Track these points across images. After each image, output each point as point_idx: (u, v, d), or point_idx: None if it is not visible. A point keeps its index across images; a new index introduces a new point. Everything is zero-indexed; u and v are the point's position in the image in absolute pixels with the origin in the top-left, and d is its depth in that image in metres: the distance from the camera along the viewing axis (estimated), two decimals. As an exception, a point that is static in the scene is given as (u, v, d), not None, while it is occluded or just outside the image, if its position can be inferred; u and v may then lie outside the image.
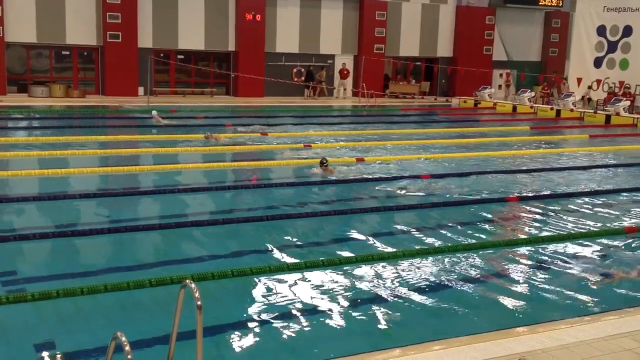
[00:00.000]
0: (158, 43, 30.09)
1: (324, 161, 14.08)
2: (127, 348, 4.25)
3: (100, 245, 9.41)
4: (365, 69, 32.66)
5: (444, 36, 36.60)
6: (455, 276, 8.22)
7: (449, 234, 10.11)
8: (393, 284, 7.94)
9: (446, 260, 8.79)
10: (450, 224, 10.73)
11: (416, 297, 7.55)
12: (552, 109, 30.11)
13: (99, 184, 13.28)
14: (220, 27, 31.22)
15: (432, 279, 8.15)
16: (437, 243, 9.60)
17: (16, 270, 8.07)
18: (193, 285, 4.76)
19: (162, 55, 30.45)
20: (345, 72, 33.67)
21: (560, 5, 37.67)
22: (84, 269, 8.29)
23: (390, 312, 7.11)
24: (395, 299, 7.49)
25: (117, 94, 28.63)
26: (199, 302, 4.67)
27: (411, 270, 8.42)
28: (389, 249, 9.25)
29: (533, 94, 32.84)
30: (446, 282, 8.01)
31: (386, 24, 34.46)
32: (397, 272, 8.32)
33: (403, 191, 13.00)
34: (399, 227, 10.68)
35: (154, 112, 21.49)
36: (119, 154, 15.66)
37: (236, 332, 6.52)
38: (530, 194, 13.16)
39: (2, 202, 11.24)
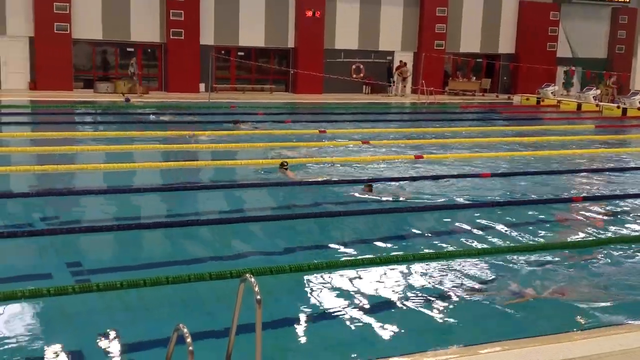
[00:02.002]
0: (219, 40, 30.51)
1: (284, 164, 13.37)
2: (189, 340, 4.33)
3: (162, 238, 9.61)
4: (425, 65, 32.38)
5: (506, 32, 35.94)
6: (515, 277, 8.07)
7: (511, 234, 9.93)
8: (451, 282, 7.85)
9: (507, 260, 8.64)
10: (512, 224, 10.53)
11: (479, 296, 7.44)
12: (618, 107, 29.21)
13: (161, 178, 13.54)
14: (280, 24, 31.43)
15: (491, 278, 8.03)
16: (499, 243, 9.44)
17: (82, 262, 8.32)
18: (253, 279, 4.81)
19: (223, 52, 30.86)
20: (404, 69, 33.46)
21: (627, 1, 36.51)
22: (147, 261, 8.49)
23: (448, 311, 7.03)
24: (455, 298, 7.40)
25: (179, 91, 29.16)
26: (258, 297, 4.72)
27: (472, 270, 8.30)
28: (449, 248, 9.16)
29: (598, 91, 31.92)
30: (505, 282, 7.87)
31: (447, 20, 34.06)
32: (457, 271, 8.23)
33: (463, 189, 12.83)
34: (458, 225, 10.54)
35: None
36: (179, 149, 15.94)
37: (293, 327, 6.57)
38: (595, 194, 12.82)
39: (69, 195, 11.62)
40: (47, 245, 8.80)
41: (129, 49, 29.89)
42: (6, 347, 5.95)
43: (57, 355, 5.85)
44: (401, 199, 11.96)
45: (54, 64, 27.27)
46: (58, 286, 7.06)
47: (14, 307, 6.74)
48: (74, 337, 6.23)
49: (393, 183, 13.28)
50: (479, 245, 9.34)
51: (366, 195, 11.95)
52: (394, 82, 33.02)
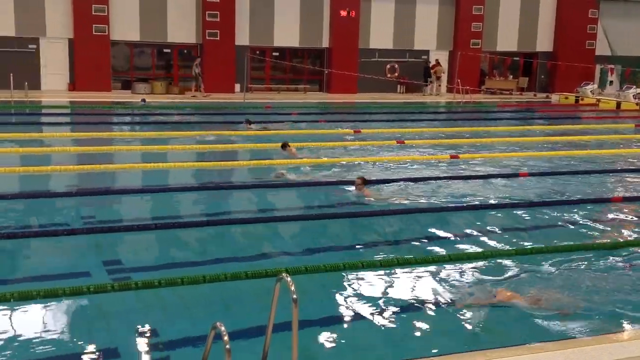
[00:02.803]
0: (254, 40, 30.68)
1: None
2: (226, 338, 4.35)
3: (199, 237, 9.70)
4: (461, 64, 32.10)
5: (544, 30, 35.46)
6: (551, 278, 7.95)
7: (547, 235, 9.79)
8: (490, 283, 7.76)
9: (545, 261, 8.52)
10: (549, 225, 10.39)
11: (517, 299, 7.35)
12: (660, 105, 28.60)
13: (197, 177, 13.65)
14: (315, 24, 31.48)
15: (523, 279, 7.92)
16: (536, 244, 9.31)
17: (120, 260, 8.45)
18: (289, 278, 4.82)
19: (257, 52, 31.02)
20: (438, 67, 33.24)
21: (669, -4, 35.74)
22: (184, 260, 8.58)
23: (484, 313, 6.96)
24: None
25: (215, 91, 29.39)
26: (294, 296, 4.72)
27: (511, 270, 8.21)
28: (486, 249, 9.06)
29: (638, 90, 31.28)
30: (542, 283, 7.76)
31: (483, 19, 33.73)
32: (497, 271, 8.14)
33: (500, 189, 12.70)
34: (495, 225, 10.43)
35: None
36: (215, 149, 16.05)
37: (328, 327, 6.57)
38: (635, 195, 12.57)
39: (108, 194, 11.80)
40: (86, 243, 8.94)
41: (165, 50, 30.24)
42: (47, 343, 6.06)
43: (96, 353, 5.94)
44: (437, 198, 11.87)
45: (92, 65, 27.73)
46: (97, 284, 7.18)
47: (55, 305, 6.86)
48: (113, 335, 6.32)
49: (429, 183, 13.20)
50: (517, 246, 9.22)
51: (396, 198, 11.88)
52: (430, 81, 32.82)
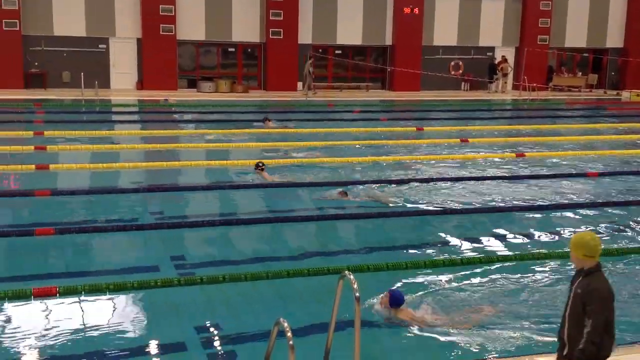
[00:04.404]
0: (317, 39, 30.76)
1: (260, 164, 12.56)
2: (289, 334, 4.39)
3: (261, 234, 9.81)
4: (528, 61, 31.41)
5: (615, 26, 34.32)
6: (627, 278, 7.72)
7: (621, 234, 9.51)
8: (562, 284, 7.60)
9: (622, 261, 8.28)
10: (619, 226, 10.07)
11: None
12: None
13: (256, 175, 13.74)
14: (378, 21, 31.35)
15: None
16: (610, 245, 9.06)
17: (185, 255, 8.62)
18: (352, 276, 4.83)
19: (320, 50, 31.11)
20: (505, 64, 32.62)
21: None
22: (246, 256, 8.69)
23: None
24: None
25: (278, 89, 29.63)
26: (357, 294, 4.73)
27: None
28: (556, 249, 8.87)
29: None
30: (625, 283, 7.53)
31: (551, 14, 32.92)
32: (564, 272, 7.95)
33: (568, 189, 12.39)
34: (561, 227, 10.19)
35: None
36: (275, 148, 16.17)
37: (390, 326, 6.54)
38: None
39: (173, 191, 12.06)
40: (153, 238, 9.16)
41: (230, 49, 30.65)
42: (116, 334, 6.25)
43: (162, 345, 6.08)
44: (503, 198, 11.67)
45: (160, 64, 28.35)
46: (165, 278, 7.37)
47: (124, 297, 7.07)
48: (179, 328, 6.46)
49: (494, 181, 13.00)
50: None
51: (459, 197, 11.73)
52: (496, 78, 32.26)
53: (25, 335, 6.16)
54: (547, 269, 8.14)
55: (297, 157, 14.77)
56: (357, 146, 16.67)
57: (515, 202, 11.42)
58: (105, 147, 15.78)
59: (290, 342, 4.34)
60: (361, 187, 12.11)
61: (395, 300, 6.59)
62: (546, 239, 9.50)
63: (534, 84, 29.58)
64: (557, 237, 9.56)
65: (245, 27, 29.78)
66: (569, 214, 10.78)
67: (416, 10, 30.90)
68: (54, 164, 13.38)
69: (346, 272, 4.94)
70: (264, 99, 27.16)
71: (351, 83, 31.96)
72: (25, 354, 5.86)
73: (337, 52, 31.56)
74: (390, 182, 12.62)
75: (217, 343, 6.18)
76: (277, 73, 29.86)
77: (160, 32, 28.22)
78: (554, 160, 15.42)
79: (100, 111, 22.74)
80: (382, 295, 6.73)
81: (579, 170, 14.18)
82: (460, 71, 32.51)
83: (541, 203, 11.40)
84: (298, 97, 27.67)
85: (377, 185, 12.30)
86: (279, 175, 12.72)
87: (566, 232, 9.78)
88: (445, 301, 7.07)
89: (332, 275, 7.51)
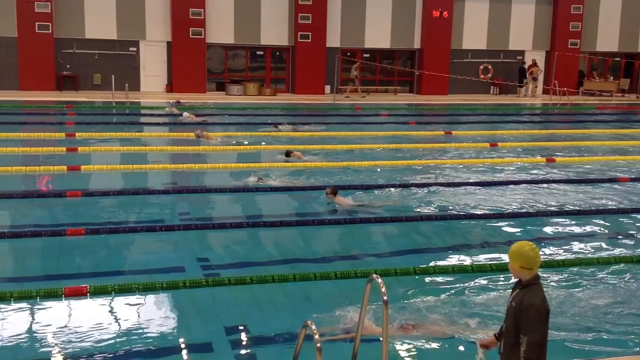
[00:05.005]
0: (345, 42, 30.78)
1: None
2: (317, 336, 4.39)
3: (288, 236, 9.83)
4: (558, 65, 31.08)
5: (648, 29, 33.84)
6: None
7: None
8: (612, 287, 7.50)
9: None
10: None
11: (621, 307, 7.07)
12: None
13: (286, 177, 13.76)
14: (407, 25, 31.27)
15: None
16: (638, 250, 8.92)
17: (212, 257, 8.67)
18: (380, 280, 4.81)
19: (348, 54, 31.11)
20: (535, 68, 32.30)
21: None
22: (273, 259, 8.72)
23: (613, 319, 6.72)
24: (617, 305, 7.06)
25: (305, 92, 29.70)
26: (385, 297, 4.71)
27: (619, 276, 7.90)
28: (588, 255, 8.76)
29: None
30: None
31: (582, 18, 32.54)
32: (603, 278, 7.84)
33: (598, 194, 12.23)
34: (595, 231, 10.05)
35: (185, 113, 21.03)
36: (307, 150, 16.18)
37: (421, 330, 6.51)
38: None
39: (202, 193, 12.15)
40: (182, 239, 9.23)
41: (258, 52, 30.80)
42: (144, 334, 6.31)
43: (190, 345, 6.13)
44: (532, 202, 11.55)
45: (189, 67, 28.60)
46: (193, 279, 7.42)
47: (153, 298, 7.14)
48: (206, 329, 6.50)
49: (523, 186, 12.87)
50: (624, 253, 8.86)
51: (488, 202, 11.63)
52: (526, 82, 31.94)
53: (56, 333, 6.24)
54: (578, 275, 8.03)
55: (318, 161, 14.78)
56: (384, 149, 16.64)
57: (544, 208, 11.29)
58: (135, 148, 15.95)
59: (318, 345, 4.34)
60: (384, 190, 12.07)
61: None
62: (580, 245, 9.36)
63: (565, 88, 29.25)
64: (592, 243, 9.43)
65: (274, 31, 29.92)
66: (599, 220, 10.63)
67: (445, 14, 30.77)
68: (85, 165, 13.57)
69: (374, 275, 4.92)
70: (291, 102, 27.22)
71: (379, 87, 31.91)
72: (56, 351, 5.95)
73: (365, 55, 31.54)
74: (417, 185, 12.56)
75: (244, 344, 6.20)
76: (305, 76, 29.95)
77: (190, 36, 28.47)
78: (585, 165, 15.23)
79: (131, 113, 22.98)
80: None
81: (610, 176, 13.98)
82: (490, 75, 32.28)
83: (571, 208, 11.26)
84: (325, 100, 27.68)
85: (404, 188, 12.25)
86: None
87: (599, 238, 9.64)
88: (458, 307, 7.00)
89: (359, 278, 7.53)
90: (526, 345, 4.21)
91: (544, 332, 4.30)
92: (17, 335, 6.18)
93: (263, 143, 17.12)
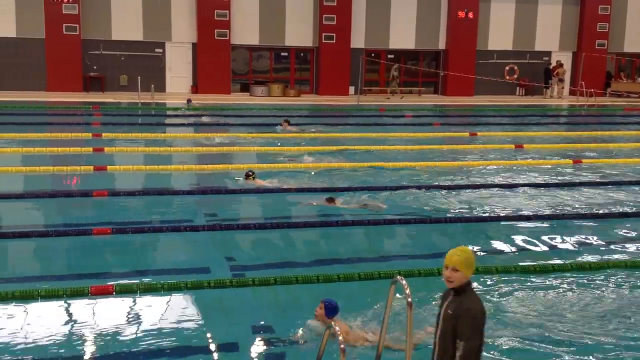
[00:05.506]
0: (370, 43, 30.75)
1: (250, 173, 12.42)
2: (340, 338, 4.39)
3: (311, 237, 9.84)
4: (585, 66, 30.74)
5: (677, 29, 33.33)
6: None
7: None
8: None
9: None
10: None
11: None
12: None
13: (308, 179, 13.76)
14: (432, 25, 31.15)
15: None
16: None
17: (237, 257, 8.71)
18: (404, 281, 4.79)
19: (372, 55, 31.06)
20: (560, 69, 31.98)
21: None
22: (297, 259, 8.73)
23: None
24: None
25: (329, 93, 29.71)
26: (409, 299, 4.69)
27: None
28: (614, 258, 8.65)
29: None
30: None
31: (610, 18, 32.16)
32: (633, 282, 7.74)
33: (627, 198, 12.06)
34: (623, 237, 9.91)
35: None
36: (323, 150, 16.19)
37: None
38: None
39: (226, 194, 12.20)
40: (206, 240, 9.28)
41: (283, 54, 30.88)
42: (168, 334, 6.35)
43: (213, 345, 6.16)
44: (558, 205, 11.43)
45: (214, 68, 28.78)
46: (217, 279, 7.46)
47: (178, 297, 7.19)
48: (230, 328, 6.52)
49: (549, 188, 12.74)
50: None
51: (514, 204, 11.53)
52: (551, 83, 31.63)
53: (81, 332, 6.31)
54: (608, 278, 7.93)
55: (341, 162, 14.78)
56: (407, 151, 16.59)
57: (571, 210, 11.17)
58: (160, 149, 16.07)
59: (342, 346, 4.34)
60: (408, 191, 12.04)
61: (332, 310, 6.13)
62: (605, 248, 9.25)
63: (592, 90, 28.92)
64: (621, 246, 9.30)
65: (299, 32, 29.98)
66: (628, 224, 10.48)
67: (471, 15, 30.60)
68: (111, 165, 13.71)
69: (398, 276, 4.90)
70: (315, 103, 27.24)
71: (403, 87, 31.82)
72: (81, 349, 6.01)
73: (389, 56, 31.47)
74: (441, 187, 12.50)
75: (268, 345, 6.21)
76: (329, 77, 29.97)
77: (215, 37, 28.64)
78: (612, 167, 15.04)
79: (156, 114, 23.16)
80: (316, 308, 6.25)
81: (638, 178, 13.79)
82: (515, 76, 32.03)
83: (598, 211, 11.13)
84: (349, 101, 27.66)
85: (427, 190, 12.19)
86: (269, 181, 12.62)
87: (628, 242, 9.51)
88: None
89: (383, 279, 7.50)
90: (463, 351, 4.13)
91: (482, 338, 4.22)
92: (44, 333, 6.26)
93: (279, 144, 17.08)
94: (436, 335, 4.38)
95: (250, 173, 12.47)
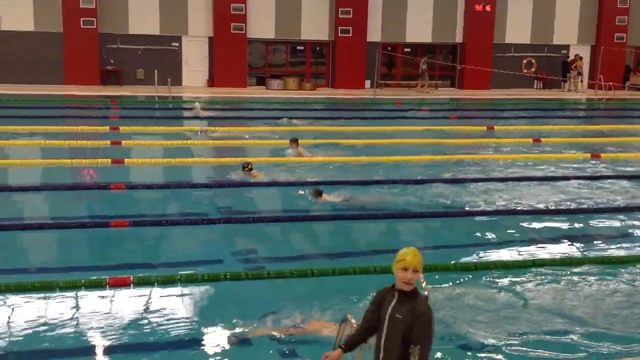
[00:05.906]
0: (386, 37, 30.64)
1: (246, 165, 12.32)
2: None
3: (327, 231, 9.84)
4: (604, 59, 30.45)
5: (698, 22, 32.91)
6: None
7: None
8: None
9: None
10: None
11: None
12: None
13: (325, 173, 13.75)
14: (449, 19, 30.97)
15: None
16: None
17: (253, 250, 8.75)
18: (421, 275, 4.78)
19: (389, 48, 30.96)
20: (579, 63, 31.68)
21: None
22: (312, 252, 8.74)
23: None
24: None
25: (345, 87, 29.65)
26: (426, 292, 4.69)
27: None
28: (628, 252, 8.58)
29: None
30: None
31: (629, 12, 31.80)
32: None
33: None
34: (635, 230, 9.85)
35: (196, 104, 21.23)
36: (353, 145, 16.16)
37: (460, 328, 6.46)
38: None
39: (243, 187, 12.22)
40: (222, 232, 9.32)
41: (299, 47, 30.85)
42: (184, 325, 6.39)
43: (229, 336, 6.19)
44: (576, 199, 11.36)
45: (230, 62, 28.81)
46: (233, 272, 7.50)
47: (194, 289, 7.23)
48: (245, 320, 6.54)
49: (567, 182, 12.66)
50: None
51: (534, 198, 11.46)
52: (569, 77, 31.36)
53: (99, 322, 6.37)
54: (625, 272, 7.87)
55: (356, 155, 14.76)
56: (424, 144, 16.53)
57: (589, 204, 11.09)
58: (177, 142, 16.12)
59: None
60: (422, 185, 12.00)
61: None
62: (624, 243, 9.18)
63: (610, 83, 28.64)
64: (629, 242, 9.24)
65: (315, 26, 29.93)
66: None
67: (488, 8, 30.40)
68: (128, 159, 13.78)
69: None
70: (331, 97, 27.20)
71: (430, 81, 31.61)
72: (99, 339, 6.07)
73: (406, 49, 31.35)
74: (458, 181, 12.45)
75: (283, 337, 6.23)
76: (345, 71, 29.90)
77: (231, 31, 28.67)
78: (631, 161, 14.90)
79: (173, 107, 23.26)
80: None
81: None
82: (533, 69, 31.79)
83: (618, 205, 11.05)
84: (366, 95, 27.61)
85: (445, 184, 12.15)
86: (265, 172, 12.67)
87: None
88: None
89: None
90: (419, 356, 3.99)
91: (432, 340, 4.11)
92: (63, 323, 6.33)
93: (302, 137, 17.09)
94: (380, 338, 4.17)
95: (246, 165, 12.38)
